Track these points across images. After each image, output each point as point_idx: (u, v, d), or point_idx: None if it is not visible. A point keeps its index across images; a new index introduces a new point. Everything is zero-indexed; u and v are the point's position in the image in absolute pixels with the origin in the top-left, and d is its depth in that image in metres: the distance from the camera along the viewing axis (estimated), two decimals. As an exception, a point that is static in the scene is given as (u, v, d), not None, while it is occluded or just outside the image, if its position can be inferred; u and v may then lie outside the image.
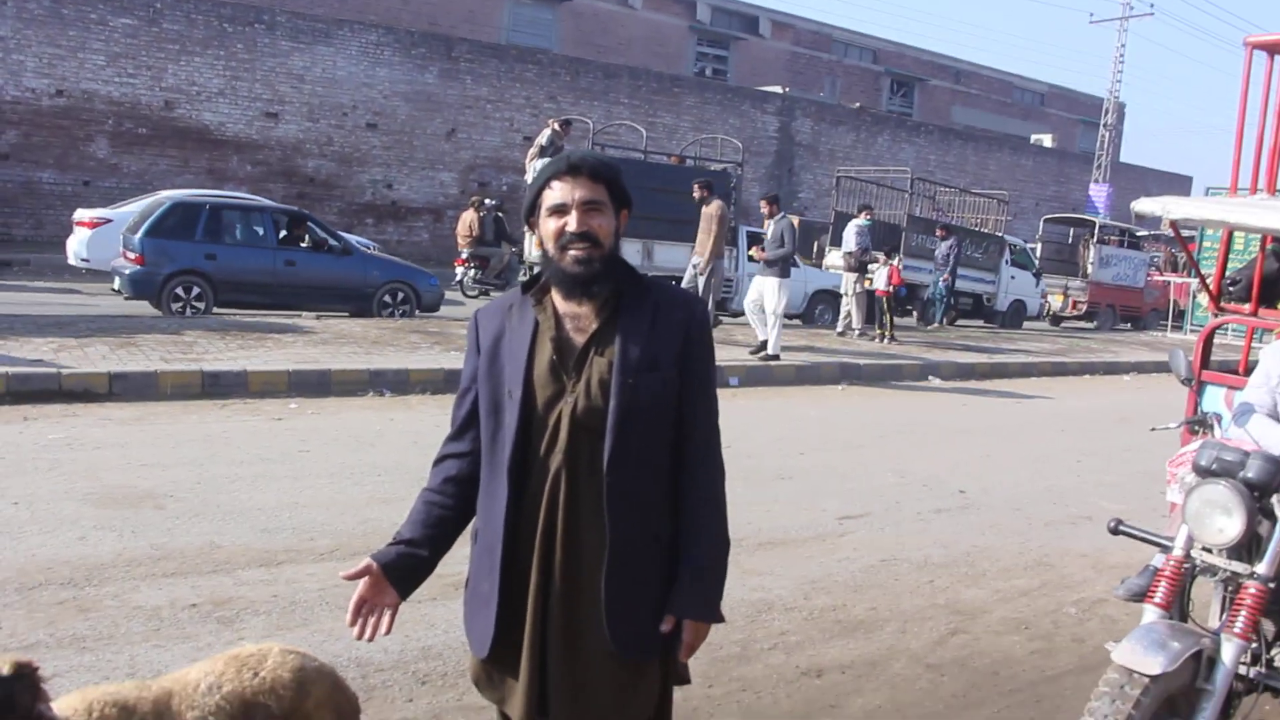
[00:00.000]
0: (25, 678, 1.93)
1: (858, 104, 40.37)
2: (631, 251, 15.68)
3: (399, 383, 9.98)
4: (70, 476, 6.28)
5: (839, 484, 7.62)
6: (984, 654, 4.77)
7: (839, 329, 16.62)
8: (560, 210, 2.29)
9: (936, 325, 19.47)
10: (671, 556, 2.33)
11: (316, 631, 4.29)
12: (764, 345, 12.83)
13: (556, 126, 16.09)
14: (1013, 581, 5.81)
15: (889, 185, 22.34)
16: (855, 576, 5.65)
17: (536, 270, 2.45)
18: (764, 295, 12.89)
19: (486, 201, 19.75)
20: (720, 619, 2.36)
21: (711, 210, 13.53)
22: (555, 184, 2.30)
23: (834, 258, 18.85)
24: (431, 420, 8.48)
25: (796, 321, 18.94)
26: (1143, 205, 4.84)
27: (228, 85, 25.38)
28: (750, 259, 12.72)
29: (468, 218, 19.25)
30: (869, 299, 16.53)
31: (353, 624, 2.32)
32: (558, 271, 2.30)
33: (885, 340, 15.94)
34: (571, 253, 2.27)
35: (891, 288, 16.50)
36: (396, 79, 27.65)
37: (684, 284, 13.38)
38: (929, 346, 16.03)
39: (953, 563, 6.03)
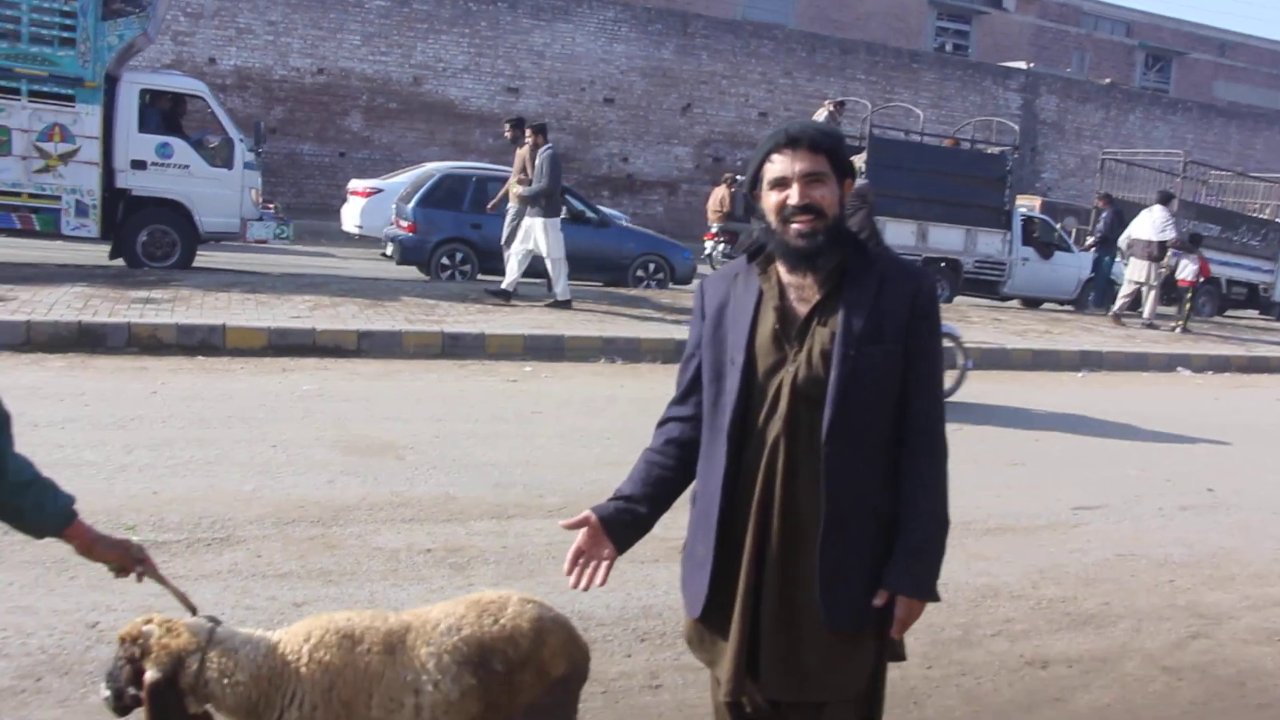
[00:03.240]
0: None
1: (1108, 79, 38.18)
2: (906, 233, 15.54)
3: (630, 351, 10.16)
4: (321, 425, 6.72)
5: (1075, 473, 7.29)
6: (1229, 662, 4.46)
7: (1114, 310, 15.77)
8: (781, 183, 2.27)
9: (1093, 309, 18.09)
10: (889, 531, 2.28)
11: (542, 583, 4.42)
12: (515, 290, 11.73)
13: (831, 108, 15.88)
14: (1266, 589, 5.39)
15: (1156, 168, 21.11)
16: (1088, 569, 5.39)
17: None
18: (535, 240, 11.47)
19: (739, 178, 19.90)
20: (935, 598, 2.31)
21: (523, 152, 11.93)
22: (776, 157, 2.28)
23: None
24: (660, 389, 8.52)
25: (1069, 307, 18.18)
26: None
27: (472, 62, 26.46)
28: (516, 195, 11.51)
29: (719, 193, 19.67)
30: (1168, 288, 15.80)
31: (569, 573, 2.38)
32: (782, 244, 2.28)
33: (1181, 331, 15.40)
34: (795, 226, 2.25)
35: (1201, 279, 15.81)
36: (633, 55, 28.08)
37: (504, 235, 12.21)
38: (1180, 337, 15.07)
39: (1196, 563, 5.66)
